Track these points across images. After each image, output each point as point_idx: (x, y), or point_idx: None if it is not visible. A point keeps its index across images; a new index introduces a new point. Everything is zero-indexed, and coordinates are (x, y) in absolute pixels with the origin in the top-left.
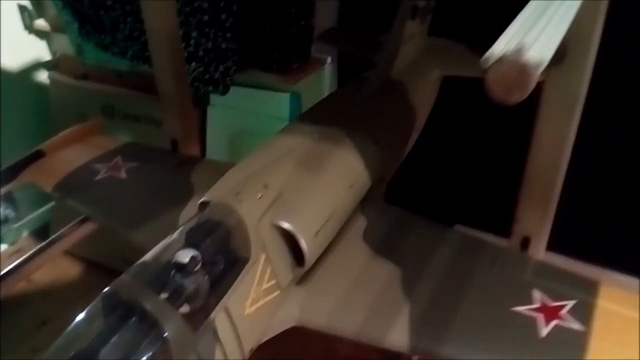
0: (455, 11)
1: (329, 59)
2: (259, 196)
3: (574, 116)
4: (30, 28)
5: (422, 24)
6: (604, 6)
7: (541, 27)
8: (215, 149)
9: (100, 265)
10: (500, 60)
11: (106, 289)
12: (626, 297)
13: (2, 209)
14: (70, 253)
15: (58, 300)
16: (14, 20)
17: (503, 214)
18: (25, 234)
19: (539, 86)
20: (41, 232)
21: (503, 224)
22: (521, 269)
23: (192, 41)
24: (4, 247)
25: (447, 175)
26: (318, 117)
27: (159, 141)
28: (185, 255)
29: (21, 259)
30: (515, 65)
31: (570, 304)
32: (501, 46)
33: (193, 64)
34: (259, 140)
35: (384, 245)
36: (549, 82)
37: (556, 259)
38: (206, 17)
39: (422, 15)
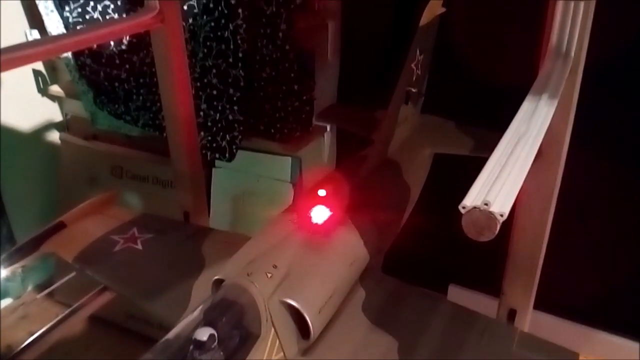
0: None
1: (328, 128)
2: (269, 276)
3: (551, 202)
4: (44, 92)
5: (415, 106)
6: (572, 112)
7: (504, 178)
8: (220, 208)
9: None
10: (472, 210)
11: None
12: None
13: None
14: None
15: None
16: (28, 83)
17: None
18: (29, 288)
19: None
20: (43, 287)
21: (494, 283)
22: (507, 340)
23: (202, 113)
24: (8, 301)
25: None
26: (321, 197)
27: (165, 200)
28: (203, 334)
29: (44, 328)
30: (483, 215)
31: None
32: (473, 196)
33: (202, 133)
34: (262, 201)
35: (382, 316)
36: (528, 175)
37: (543, 318)
38: (215, 92)
39: (414, 100)
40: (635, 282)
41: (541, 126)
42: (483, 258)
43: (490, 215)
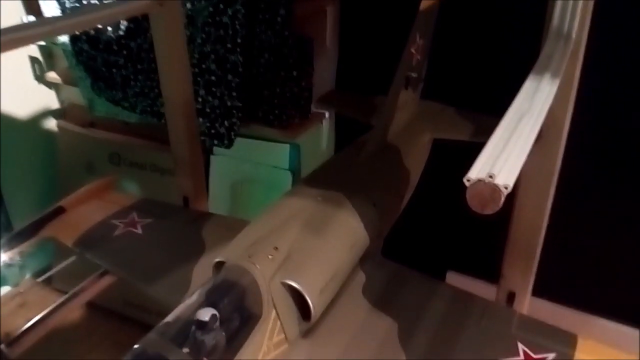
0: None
1: (327, 114)
2: (270, 257)
3: (550, 185)
4: (40, 79)
5: (414, 92)
6: (572, 96)
7: (508, 152)
8: (218, 195)
9: (99, 307)
10: (477, 182)
11: (136, 346)
12: (602, 349)
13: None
14: None
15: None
16: (24, 69)
17: (492, 261)
18: (27, 276)
19: None
20: (42, 274)
21: (492, 271)
22: (506, 323)
23: (200, 99)
24: (7, 289)
25: (440, 227)
26: (321, 181)
27: (163, 187)
28: (205, 314)
29: (43, 312)
30: (488, 187)
31: (550, 356)
32: (477, 169)
33: (200, 119)
34: (260, 188)
35: (382, 299)
36: (528, 158)
37: (542, 305)
38: (214, 78)
39: (414, 85)
40: (635, 268)
41: (544, 104)
42: (481, 244)
43: (495, 188)
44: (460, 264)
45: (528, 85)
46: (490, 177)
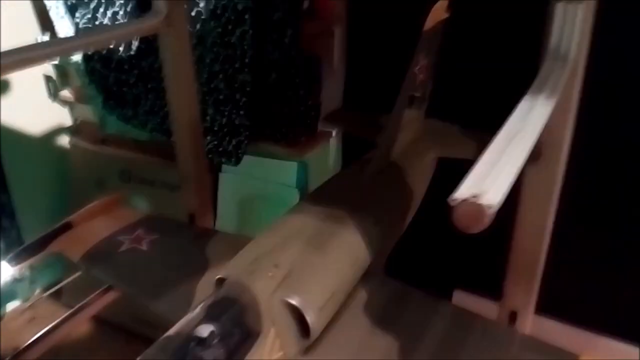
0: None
1: (334, 132)
2: (270, 275)
3: (551, 204)
4: (54, 97)
5: (419, 110)
6: (572, 115)
7: (496, 173)
8: (226, 213)
9: (106, 321)
10: (462, 202)
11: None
12: None
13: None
14: None
15: None
16: (39, 87)
17: (500, 279)
18: (37, 291)
19: (520, 179)
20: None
21: (499, 289)
22: (507, 343)
23: (208, 117)
24: (17, 303)
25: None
26: (324, 199)
27: (172, 204)
28: (204, 330)
29: (49, 327)
30: (473, 207)
31: None
32: (463, 189)
33: (208, 137)
34: (267, 205)
35: (382, 318)
36: (528, 177)
37: (545, 323)
38: (222, 96)
39: (418, 104)
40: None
41: (537, 124)
42: (488, 263)
43: (480, 208)
44: (468, 283)
45: (522, 105)
46: (475, 197)
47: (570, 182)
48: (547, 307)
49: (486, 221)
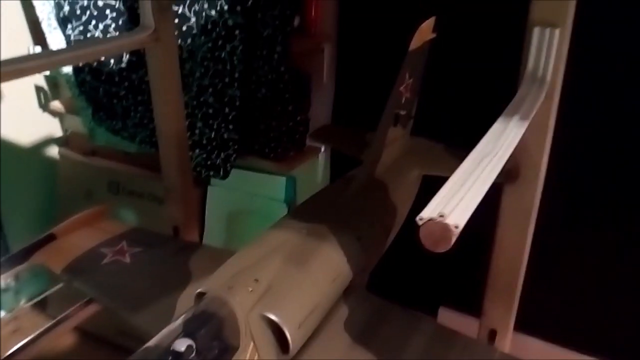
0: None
1: (322, 148)
2: (249, 290)
3: (529, 223)
4: (45, 107)
5: (404, 128)
6: (549, 137)
7: (463, 193)
8: (214, 227)
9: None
10: (428, 222)
11: None
12: None
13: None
14: None
15: None
16: (30, 98)
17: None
18: (22, 302)
19: (498, 199)
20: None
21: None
22: None
23: (197, 131)
24: (2, 314)
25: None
26: (307, 214)
27: (159, 216)
28: (182, 345)
29: (28, 339)
30: (438, 226)
31: None
32: (430, 209)
33: (197, 151)
34: (256, 219)
35: (363, 334)
36: (506, 196)
37: (525, 341)
38: (211, 110)
39: (404, 122)
40: (619, 305)
41: (507, 146)
42: (473, 281)
43: (445, 227)
44: (453, 300)
45: (495, 127)
46: (442, 216)
47: (549, 201)
48: (527, 325)
49: (451, 241)
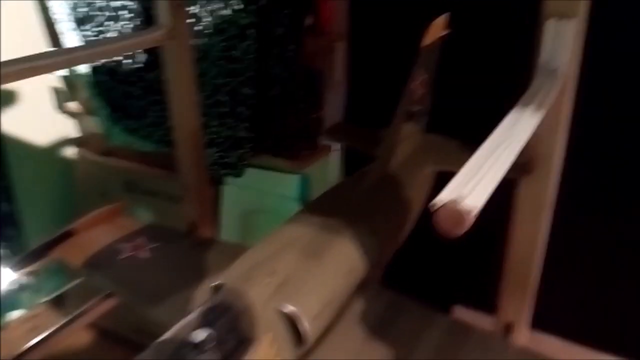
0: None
1: (336, 146)
2: (266, 282)
3: (543, 217)
4: (62, 108)
5: (417, 124)
6: (563, 129)
7: (477, 179)
8: (229, 224)
9: (110, 333)
10: (442, 207)
11: None
12: None
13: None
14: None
15: None
16: (47, 99)
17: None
18: (41, 300)
19: (514, 190)
20: (55, 298)
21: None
22: (502, 354)
23: (212, 130)
24: (20, 312)
25: (447, 261)
26: (321, 209)
27: (174, 215)
28: (199, 335)
29: (45, 333)
30: (454, 211)
31: None
32: (446, 193)
33: (211, 149)
34: (269, 217)
35: (377, 328)
36: (522, 189)
37: (542, 339)
38: (225, 109)
39: (417, 118)
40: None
41: (522, 135)
42: (489, 279)
43: (460, 211)
44: (467, 299)
45: (510, 117)
46: (456, 201)
47: (565, 194)
48: (543, 322)
49: (466, 225)
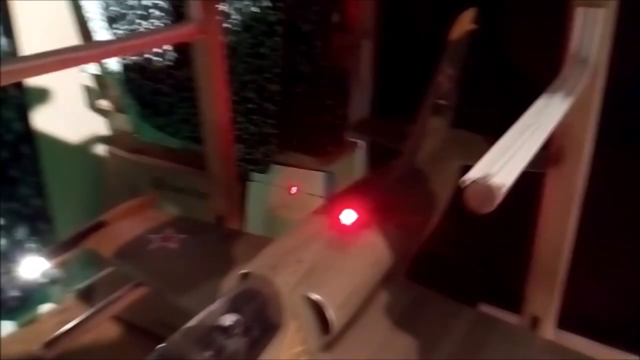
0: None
1: (363, 142)
2: (293, 270)
3: (572, 209)
4: (93, 106)
5: (444, 119)
6: (593, 119)
7: (507, 158)
8: (254, 220)
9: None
10: (472, 183)
11: (160, 345)
12: None
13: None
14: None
15: None
16: (78, 97)
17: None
18: (70, 293)
19: (541, 184)
20: (85, 292)
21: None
22: (528, 347)
23: (238, 126)
24: (50, 305)
25: (473, 258)
26: (347, 201)
27: (201, 211)
28: (228, 320)
29: (72, 323)
30: (484, 187)
31: None
32: (476, 171)
33: (238, 145)
34: (295, 215)
35: (402, 319)
36: (550, 180)
37: (568, 338)
38: (252, 106)
39: (443, 112)
40: None
41: (551, 119)
42: (516, 275)
43: (490, 188)
44: (494, 296)
45: (539, 103)
46: (486, 177)
47: (595, 187)
48: (570, 322)
49: (496, 201)
